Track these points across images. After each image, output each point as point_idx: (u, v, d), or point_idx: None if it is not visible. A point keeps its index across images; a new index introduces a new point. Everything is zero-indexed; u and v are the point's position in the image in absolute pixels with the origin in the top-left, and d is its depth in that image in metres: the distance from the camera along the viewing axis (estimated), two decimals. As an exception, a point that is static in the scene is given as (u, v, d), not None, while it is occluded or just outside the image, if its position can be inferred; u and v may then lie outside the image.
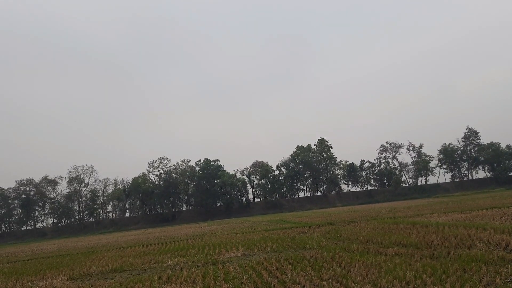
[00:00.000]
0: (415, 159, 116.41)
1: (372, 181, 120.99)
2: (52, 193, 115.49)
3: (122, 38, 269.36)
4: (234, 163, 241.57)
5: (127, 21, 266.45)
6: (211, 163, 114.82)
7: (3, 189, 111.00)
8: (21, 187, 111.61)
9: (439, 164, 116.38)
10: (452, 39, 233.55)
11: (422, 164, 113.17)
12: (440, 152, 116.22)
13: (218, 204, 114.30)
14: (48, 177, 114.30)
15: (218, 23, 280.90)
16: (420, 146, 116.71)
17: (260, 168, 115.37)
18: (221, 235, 33.03)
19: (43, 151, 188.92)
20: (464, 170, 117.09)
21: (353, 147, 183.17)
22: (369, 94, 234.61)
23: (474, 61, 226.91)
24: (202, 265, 17.02)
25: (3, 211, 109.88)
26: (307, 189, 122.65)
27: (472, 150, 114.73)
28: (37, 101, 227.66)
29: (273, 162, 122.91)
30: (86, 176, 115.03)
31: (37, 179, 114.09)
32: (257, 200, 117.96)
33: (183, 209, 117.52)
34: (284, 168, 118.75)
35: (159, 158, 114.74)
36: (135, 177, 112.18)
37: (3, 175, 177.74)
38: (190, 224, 79.88)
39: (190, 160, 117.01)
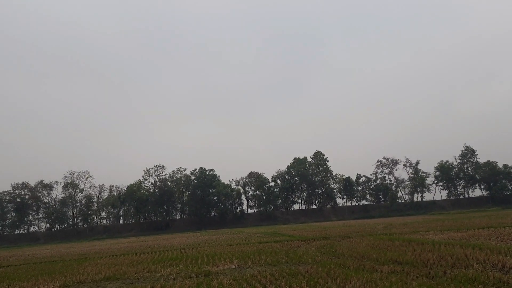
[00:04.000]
0: (412, 175, 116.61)
1: (368, 196, 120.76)
2: (47, 197, 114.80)
3: (119, 43, 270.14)
4: (230, 173, 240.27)
5: (126, 27, 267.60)
6: (207, 173, 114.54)
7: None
8: (16, 191, 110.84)
9: (436, 181, 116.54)
10: (453, 55, 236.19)
11: (418, 181, 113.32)
12: (436, 169, 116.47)
13: (212, 214, 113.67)
14: (43, 182, 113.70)
15: (217, 30, 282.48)
16: (417, 163, 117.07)
17: (256, 179, 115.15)
18: (215, 246, 32.80)
19: (40, 155, 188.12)
20: (460, 188, 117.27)
21: (350, 162, 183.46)
22: (367, 108, 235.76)
23: (474, 78, 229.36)
24: (195, 276, 16.87)
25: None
26: (302, 202, 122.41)
27: (469, 168, 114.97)
28: (36, 104, 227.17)
29: (268, 174, 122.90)
30: (82, 181, 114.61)
31: (32, 183, 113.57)
32: (251, 211, 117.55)
33: (177, 217, 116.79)
34: (279, 180, 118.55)
35: (154, 166, 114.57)
36: (130, 184, 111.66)
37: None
38: (183, 233, 79.34)
39: (185, 169, 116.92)
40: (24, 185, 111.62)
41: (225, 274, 16.66)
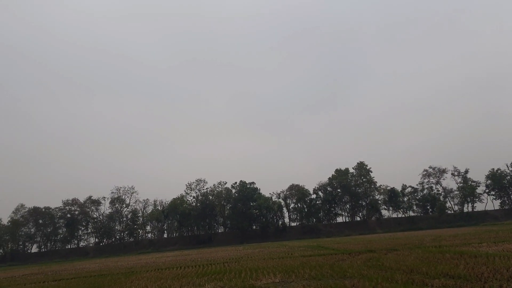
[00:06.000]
0: (461, 184, 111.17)
1: (414, 207, 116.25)
2: (95, 213, 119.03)
3: (161, 57, 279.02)
4: (270, 186, 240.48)
5: (169, 41, 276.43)
6: (247, 186, 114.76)
7: (51, 208, 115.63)
8: (66, 207, 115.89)
9: (487, 190, 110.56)
10: (504, 57, 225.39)
11: (468, 190, 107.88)
12: (487, 177, 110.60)
13: (254, 227, 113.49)
14: (92, 197, 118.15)
15: (257, 42, 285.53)
16: (466, 171, 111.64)
17: (297, 192, 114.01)
18: (258, 260, 32.52)
19: (89, 172, 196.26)
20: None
21: (394, 172, 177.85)
22: (410, 117, 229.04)
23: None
24: (238, 290, 16.72)
25: (49, 230, 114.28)
26: (346, 214, 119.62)
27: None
28: (83, 124, 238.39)
29: (309, 185, 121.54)
30: (127, 196, 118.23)
31: (82, 199, 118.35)
32: (293, 224, 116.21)
33: (219, 231, 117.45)
34: (321, 192, 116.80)
35: (196, 180, 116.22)
36: (173, 199, 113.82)
37: (51, 195, 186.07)
38: (226, 247, 79.55)
39: (226, 182, 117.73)
40: (74, 201, 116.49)
41: (268, 288, 16.40)
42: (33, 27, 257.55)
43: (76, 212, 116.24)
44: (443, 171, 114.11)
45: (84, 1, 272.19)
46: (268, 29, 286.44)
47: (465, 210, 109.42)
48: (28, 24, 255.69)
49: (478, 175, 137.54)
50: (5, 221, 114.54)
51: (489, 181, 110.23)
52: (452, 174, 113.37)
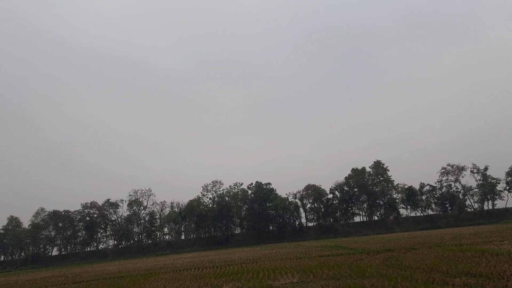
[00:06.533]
0: (480, 182, 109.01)
1: (433, 206, 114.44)
2: (114, 215, 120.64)
3: (178, 61, 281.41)
4: (286, 186, 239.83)
5: (185, 44, 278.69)
6: (263, 187, 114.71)
7: (70, 212, 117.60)
8: (85, 210, 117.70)
9: (508, 188, 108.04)
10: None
11: (488, 188, 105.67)
12: (508, 174, 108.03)
13: (271, 228, 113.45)
14: (110, 200, 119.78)
15: (271, 44, 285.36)
16: (485, 168, 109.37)
17: (313, 192, 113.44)
18: (275, 260, 32.47)
19: (106, 175, 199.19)
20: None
21: (412, 171, 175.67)
22: (428, 117, 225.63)
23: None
24: (257, 290, 16.74)
25: (69, 233, 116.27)
26: (363, 213, 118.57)
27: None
28: (103, 130, 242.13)
29: (325, 185, 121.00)
30: (145, 199, 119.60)
31: (100, 202, 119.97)
32: (310, 224, 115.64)
33: (236, 232, 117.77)
34: (338, 191, 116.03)
35: (212, 182, 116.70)
36: (190, 200, 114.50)
37: (70, 199, 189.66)
38: (243, 248, 79.66)
39: (242, 184, 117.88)
40: (93, 204, 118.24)
41: (286, 288, 16.39)
42: (56, 42, 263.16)
43: (95, 215, 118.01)
44: (462, 169, 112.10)
45: (99, 12, 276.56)
46: (284, 33, 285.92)
47: (485, 207, 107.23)
48: (52, 40, 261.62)
49: (498, 172, 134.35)
50: (26, 225, 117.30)
51: (509, 178, 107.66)
52: (471, 171, 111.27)
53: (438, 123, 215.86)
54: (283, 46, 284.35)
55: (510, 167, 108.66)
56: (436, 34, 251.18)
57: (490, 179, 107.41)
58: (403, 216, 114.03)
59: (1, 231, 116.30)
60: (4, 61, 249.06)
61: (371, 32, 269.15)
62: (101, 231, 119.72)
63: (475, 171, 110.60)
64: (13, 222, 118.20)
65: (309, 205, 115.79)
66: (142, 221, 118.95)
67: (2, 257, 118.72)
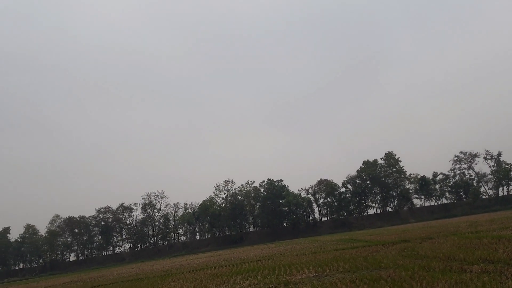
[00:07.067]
0: (494, 168, 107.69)
1: (447, 194, 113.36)
2: (128, 219, 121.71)
3: (186, 61, 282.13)
4: (297, 182, 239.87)
5: (191, 42, 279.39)
6: (275, 184, 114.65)
7: (85, 217, 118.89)
8: (100, 215, 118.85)
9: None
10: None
11: (502, 173, 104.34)
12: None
13: (285, 224, 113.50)
14: (124, 204, 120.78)
15: (278, 36, 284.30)
16: (499, 154, 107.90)
17: (325, 186, 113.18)
18: (290, 256, 32.51)
19: (118, 180, 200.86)
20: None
21: (423, 160, 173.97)
22: (438, 104, 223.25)
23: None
24: (274, 286, 16.81)
25: (85, 238, 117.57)
26: (376, 205, 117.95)
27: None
28: (107, 134, 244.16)
29: (337, 178, 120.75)
30: (158, 201, 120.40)
31: (114, 206, 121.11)
32: (324, 219, 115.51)
33: (250, 230, 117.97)
34: (350, 185, 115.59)
35: (224, 181, 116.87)
36: (203, 201, 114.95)
37: (84, 205, 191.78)
38: (258, 245, 79.79)
39: (254, 182, 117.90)
40: (107, 209, 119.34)
41: (304, 283, 16.40)
42: (65, 44, 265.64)
43: (110, 220, 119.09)
44: (475, 156, 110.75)
45: (105, 14, 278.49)
46: (291, 24, 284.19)
47: (500, 194, 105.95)
48: (61, 42, 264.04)
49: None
50: (42, 232, 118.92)
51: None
52: (484, 158, 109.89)
53: (448, 110, 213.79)
54: (290, 39, 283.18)
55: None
56: (451, 12, 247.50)
57: (504, 164, 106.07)
58: (417, 206, 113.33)
59: (19, 240, 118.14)
60: (18, 65, 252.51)
61: (377, 18, 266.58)
62: (117, 235, 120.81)
63: (488, 157, 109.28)
64: (30, 230, 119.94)
65: (322, 200, 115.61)
66: (157, 223, 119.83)
67: (21, 265, 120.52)
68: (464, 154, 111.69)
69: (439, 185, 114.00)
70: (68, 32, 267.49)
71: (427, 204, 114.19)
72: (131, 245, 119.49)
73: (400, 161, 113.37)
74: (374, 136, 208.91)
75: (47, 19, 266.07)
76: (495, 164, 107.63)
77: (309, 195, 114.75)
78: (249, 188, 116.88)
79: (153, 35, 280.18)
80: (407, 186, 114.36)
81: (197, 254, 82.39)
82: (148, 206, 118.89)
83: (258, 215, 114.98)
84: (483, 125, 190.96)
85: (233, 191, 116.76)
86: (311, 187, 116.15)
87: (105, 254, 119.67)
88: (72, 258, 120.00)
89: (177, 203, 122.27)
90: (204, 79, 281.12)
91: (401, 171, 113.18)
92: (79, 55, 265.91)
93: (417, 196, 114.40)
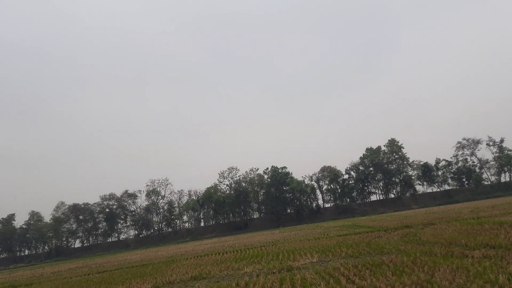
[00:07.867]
0: (497, 154, 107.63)
1: (449, 181, 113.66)
2: (133, 206, 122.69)
3: (190, 46, 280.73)
4: (301, 169, 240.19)
5: (195, 28, 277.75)
6: (279, 171, 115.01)
7: (89, 204, 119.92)
8: (104, 202, 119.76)
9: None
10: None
11: (504, 160, 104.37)
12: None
13: (289, 211, 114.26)
14: (128, 191, 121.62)
15: (283, 23, 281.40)
16: (501, 140, 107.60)
17: (329, 173, 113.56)
18: (294, 242, 32.93)
19: (122, 166, 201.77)
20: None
21: (426, 146, 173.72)
22: (441, 90, 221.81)
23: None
24: (278, 271, 17.12)
25: (90, 225, 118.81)
26: (379, 192, 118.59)
27: None
28: (112, 119, 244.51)
29: (341, 165, 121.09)
30: (162, 188, 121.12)
31: (118, 193, 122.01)
32: (327, 205, 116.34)
33: (255, 216, 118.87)
34: (353, 171, 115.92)
35: (228, 168, 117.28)
36: (207, 188, 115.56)
37: (88, 192, 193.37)
38: (262, 232, 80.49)
39: (258, 169, 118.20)
40: (111, 196, 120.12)
41: (307, 268, 16.73)
42: (70, 35, 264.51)
43: (114, 207, 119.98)
44: (478, 142, 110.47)
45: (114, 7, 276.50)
46: (296, 12, 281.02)
47: (503, 180, 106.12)
48: (66, 34, 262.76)
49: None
50: (47, 219, 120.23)
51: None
52: (487, 144, 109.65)
53: (451, 97, 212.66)
54: (295, 27, 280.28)
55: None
56: (449, 3, 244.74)
57: (506, 151, 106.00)
58: (420, 192, 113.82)
59: (24, 226, 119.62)
60: (20, 56, 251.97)
61: (380, 5, 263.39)
62: (121, 221, 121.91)
63: (491, 143, 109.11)
64: (35, 217, 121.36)
65: (325, 187, 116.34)
66: (161, 210, 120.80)
67: (27, 251, 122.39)
68: (467, 140, 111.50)
69: (441, 171, 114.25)
70: (66, 17, 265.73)
71: (429, 190, 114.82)
72: (136, 232, 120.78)
73: (403, 148, 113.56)
74: (377, 123, 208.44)
75: (44, 7, 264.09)
76: (498, 151, 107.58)
77: (313, 182, 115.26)
78: (253, 175, 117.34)
79: (155, 22, 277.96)
80: (410, 173, 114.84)
81: (202, 241, 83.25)
82: (152, 193, 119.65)
83: (262, 202, 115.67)
84: (487, 112, 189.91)
85: (237, 178, 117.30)
86: (315, 174, 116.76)
87: (110, 240, 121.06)
88: (77, 244, 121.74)
89: (182, 190, 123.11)
90: (209, 66, 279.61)
91: (404, 158, 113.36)
92: (78, 42, 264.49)
93: (419, 182, 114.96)
